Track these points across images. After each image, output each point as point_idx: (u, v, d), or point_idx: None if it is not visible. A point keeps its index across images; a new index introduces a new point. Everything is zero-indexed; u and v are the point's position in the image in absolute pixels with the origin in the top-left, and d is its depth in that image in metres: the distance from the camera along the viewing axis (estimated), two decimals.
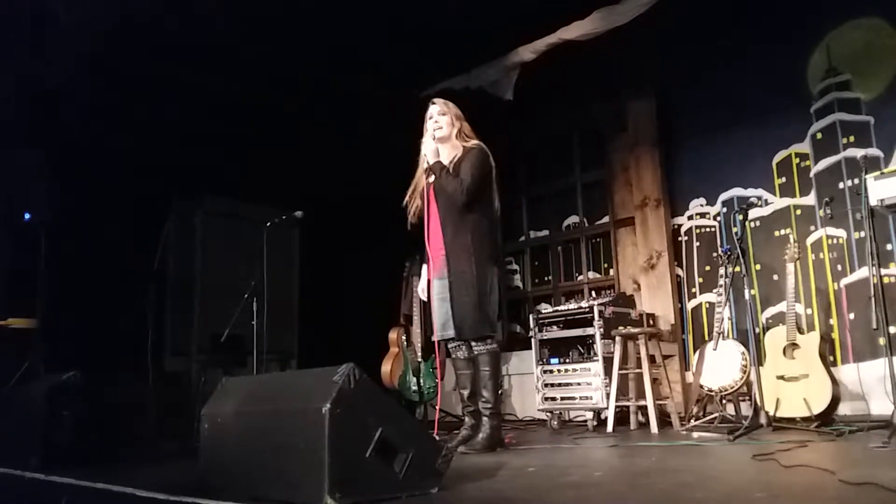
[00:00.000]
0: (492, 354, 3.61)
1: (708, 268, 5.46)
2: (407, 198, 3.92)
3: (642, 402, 4.41)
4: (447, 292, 3.63)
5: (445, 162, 3.71)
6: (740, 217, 4.76)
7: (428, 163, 3.70)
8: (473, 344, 3.64)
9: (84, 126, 5.31)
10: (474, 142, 3.76)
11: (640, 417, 4.63)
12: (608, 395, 4.52)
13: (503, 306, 3.73)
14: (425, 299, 3.89)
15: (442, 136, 3.74)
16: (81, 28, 4.58)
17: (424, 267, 3.88)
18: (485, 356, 3.60)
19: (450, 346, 3.78)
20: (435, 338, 3.82)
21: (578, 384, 4.80)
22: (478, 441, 3.54)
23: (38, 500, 2.91)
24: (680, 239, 5.67)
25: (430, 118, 3.78)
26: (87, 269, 5.24)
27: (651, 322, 5.23)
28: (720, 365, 4.44)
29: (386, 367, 5.72)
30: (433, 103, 3.83)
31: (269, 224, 4.93)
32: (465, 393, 3.74)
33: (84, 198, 5.35)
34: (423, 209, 3.77)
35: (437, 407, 4.03)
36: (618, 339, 4.52)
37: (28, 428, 3.59)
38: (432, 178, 3.72)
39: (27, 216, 5.22)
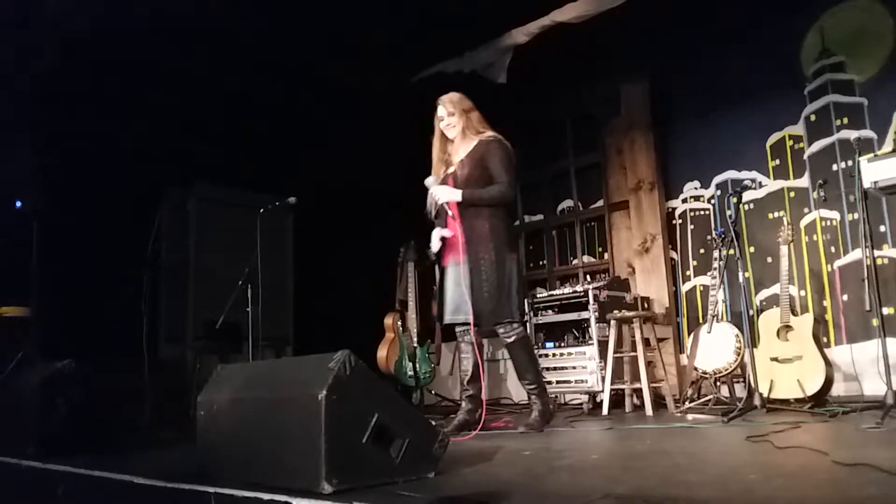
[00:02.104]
0: (521, 339, 3.68)
1: (702, 251, 5.47)
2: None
3: (637, 385, 4.44)
4: (465, 278, 3.64)
5: (463, 155, 3.74)
6: (734, 200, 4.75)
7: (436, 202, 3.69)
8: (500, 332, 3.67)
9: (76, 113, 5.27)
10: (490, 133, 3.76)
11: (635, 400, 4.66)
12: (603, 379, 4.54)
13: (522, 292, 3.74)
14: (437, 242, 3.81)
15: (454, 135, 3.79)
16: (70, 12, 4.52)
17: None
18: (515, 343, 3.66)
19: (457, 329, 3.80)
20: (445, 321, 3.79)
21: (574, 368, 4.82)
22: (533, 419, 3.62)
23: (35, 488, 2.91)
24: (674, 222, 5.68)
25: (441, 120, 3.82)
26: (80, 256, 5.22)
27: (646, 305, 5.24)
28: (714, 347, 4.46)
29: (382, 353, 5.72)
30: (440, 103, 3.84)
31: (262, 210, 4.91)
32: (465, 377, 3.76)
33: (76, 185, 5.32)
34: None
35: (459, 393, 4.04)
36: (612, 322, 4.53)
37: (23, 417, 3.58)
38: (452, 170, 3.76)
39: (18, 204, 5.19)
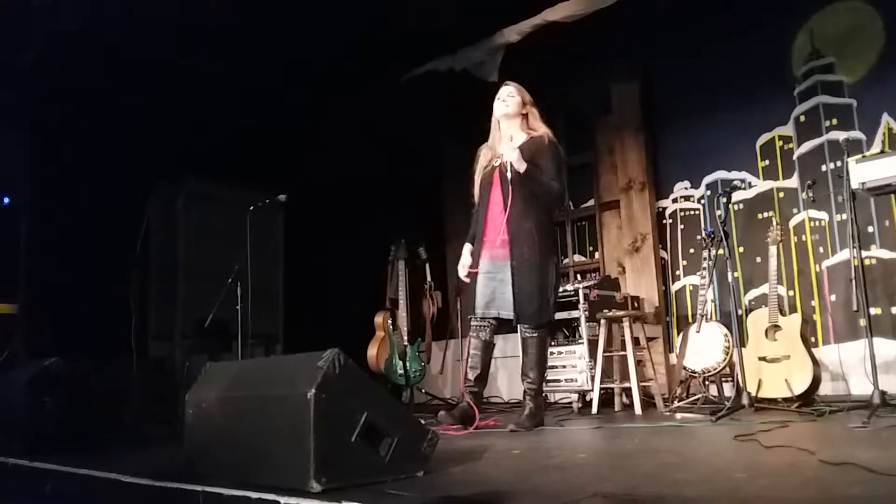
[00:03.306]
0: (541, 339, 3.70)
1: (692, 250, 5.50)
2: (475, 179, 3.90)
3: (626, 384, 4.45)
4: (504, 275, 3.65)
5: (516, 145, 3.65)
6: (724, 200, 4.77)
7: (502, 156, 3.67)
8: (525, 328, 3.68)
9: (65, 108, 5.23)
10: (545, 130, 3.75)
11: (625, 399, 4.67)
12: (593, 378, 4.54)
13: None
14: (464, 277, 3.85)
15: (507, 113, 3.76)
16: (59, 6, 4.49)
17: (467, 246, 3.88)
18: (534, 339, 3.68)
19: (473, 324, 3.77)
20: (477, 314, 3.74)
21: (563, 367, 4.83)
22: (523, 418, 3.62)
23: (22, 486, 2.89)
24: (664, 222, 5.70)
25: (500, 98, 3.80)
26: (68, 253, 5.18)
27: (635, 305, 5.25)
28: (703, 347, 4.47)
29: (372, 352, 5.72)
30: (507, 84, 3.84)
31: (252, 208, 4.89)
32: (474, 374, 3.74)
33: (65, 181, 5.28)
34: (483, 189, 3.80)
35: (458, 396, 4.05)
36: (602, 321, 4.54)
37: (10, 415, 3.56)
38: (499, 162, 3.72)
39: (6, 200, 5.15)
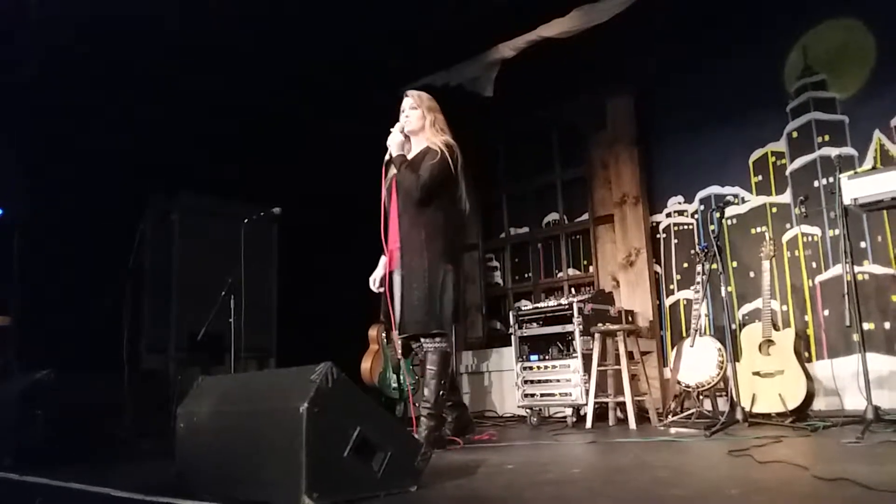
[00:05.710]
0: (440, 354, 3.53)
1: (685, 265, 5.51)
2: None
3: (621, 399, 4.44)
4: (398, 287, 3.63)
5: (412, 155, 3.69)
6: (717, 215, 4.80)
7: (390, 155, 3.69)
8: (423, 340, 3.57)
9: (59, 121, 5.23)
10: (442, 138, 3.68)
11: (619, 413, 4.67)
12: (587, 392, 4.54)
13: (461, 307, 3.71)
14: (375, 290, 3.92)
15: (411, 129, 3.72)
16: (55, 21, 4.50)
17: (382, 259, 3.87)
18: (432, 354, 3.53)
19: (414, 345, 3.73)
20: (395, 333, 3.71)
21: (558, 381, 4.83)
22: None
23: (11, 500, 2.87)
24: (658, 236, 5.71)
25: (403, 111, 3.76)
26: (61, 265, 5.16)
27: (630, 319, 5.26)
28: (697, 361, 4.48)
29: (366, 365, 5.71)
30: (406, 96, 3.80)
31: (246, 221, 4.88)
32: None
33: (58, 194, 5.26)
34: (386, 201, 3.78)
35: (412, 403, 4.05)
36: (597, 335, 4.54)
37: (1, 427, 3.53)
38: (394, 171, 3.71)
39: (0, 212, 5.13)
